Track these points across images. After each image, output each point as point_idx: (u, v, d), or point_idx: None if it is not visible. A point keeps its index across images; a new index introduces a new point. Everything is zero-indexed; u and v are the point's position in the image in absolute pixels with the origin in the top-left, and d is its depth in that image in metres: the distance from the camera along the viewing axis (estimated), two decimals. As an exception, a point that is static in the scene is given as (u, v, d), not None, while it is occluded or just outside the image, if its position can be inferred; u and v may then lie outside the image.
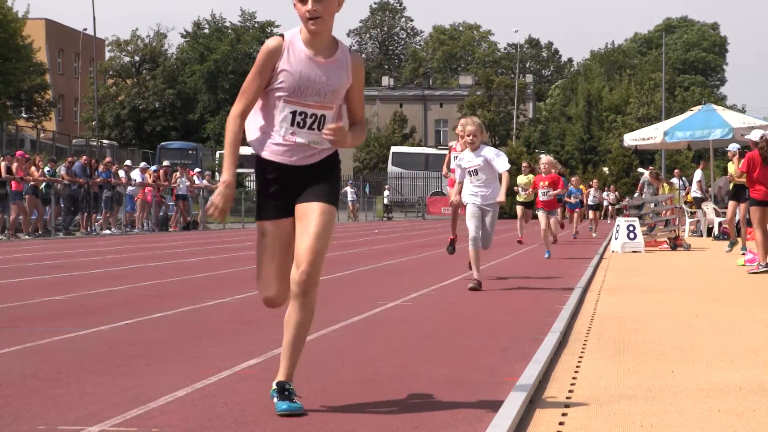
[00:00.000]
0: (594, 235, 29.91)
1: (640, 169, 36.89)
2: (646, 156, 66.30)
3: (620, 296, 10.85)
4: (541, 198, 19.06)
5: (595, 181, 38.19)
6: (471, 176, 11.66)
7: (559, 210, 23.44)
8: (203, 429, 4.52)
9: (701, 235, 27.43)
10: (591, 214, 33.30)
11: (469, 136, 11.60)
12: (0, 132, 48.39)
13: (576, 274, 13.52)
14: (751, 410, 4.91)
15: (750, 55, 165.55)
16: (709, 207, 27.07)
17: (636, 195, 29.68)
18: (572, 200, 28.35)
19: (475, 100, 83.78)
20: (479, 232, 11.48)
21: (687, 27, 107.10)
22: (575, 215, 28.64)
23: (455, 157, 12.88)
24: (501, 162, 11.51)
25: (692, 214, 28.24)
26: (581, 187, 31.37)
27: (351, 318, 8.63)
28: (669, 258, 18.46)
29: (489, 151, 11.63)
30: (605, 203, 48.15)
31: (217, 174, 56.73)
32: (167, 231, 34.31)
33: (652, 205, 23.49)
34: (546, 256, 17.82)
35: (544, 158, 19.92)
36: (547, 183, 19.01)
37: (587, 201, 33.10)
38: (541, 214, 18.80)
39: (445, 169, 13.96)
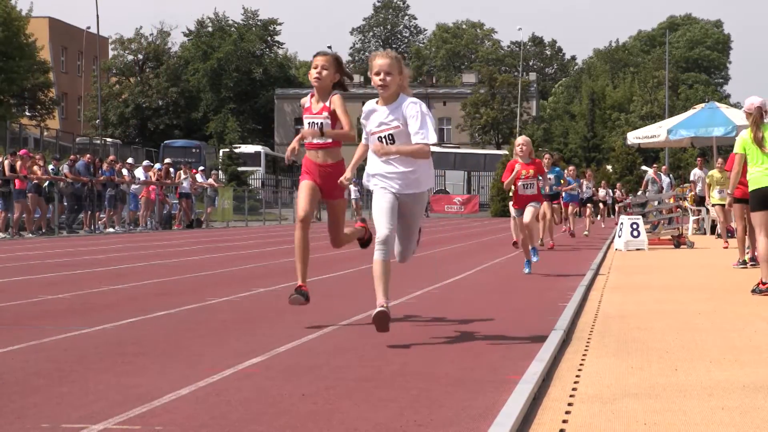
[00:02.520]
0: (585, 234, 27.77)
1: (644, 167, 36.83)
2: (649, 154, 66.29)
3: (623, 294, 10.84)
4: (522, 191, 14.10)
5: (588, 172, 34.35)
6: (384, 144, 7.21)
7: (555, 207, 22.10)
8: (207, 427, 4.52)
9: (704, 233, 27.42)
10: (585, 209, 30.68)
11: (378, 75, 7.08)
12: (3, 130, 48.42)
13: (579, 272, 13.51)
14: (755, 408, 4.91)
15: (753, 52, 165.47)
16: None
17: (640, 192, 29.64)
18: (569, 192, 26.22)
19: (479, 98, 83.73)
20: (393, 232, 7.18)
21: (690, 25, 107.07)
22: (569, 208, 26.65)
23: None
24: (424, 129, 7.06)
25: (698, 212, 28.23)
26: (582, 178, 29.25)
27: (354, 316, 8.64)
28: (672, 256, 18.45)
29: (412, 106, 7.10)
30: (608, 200, 47.74)
31: (220, 173, 56.79)
32: (171, 229, 34.32)
33: (656, 202, 23.48)
34: (526, 270, 13.54)
35: (521, 139, 14.69)
36: (532, 172, 14.07)
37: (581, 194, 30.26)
38: (527, 209, 13.91)
39: (293, 146, 8.27)
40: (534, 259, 13.98)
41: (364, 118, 7.35)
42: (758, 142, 10.94)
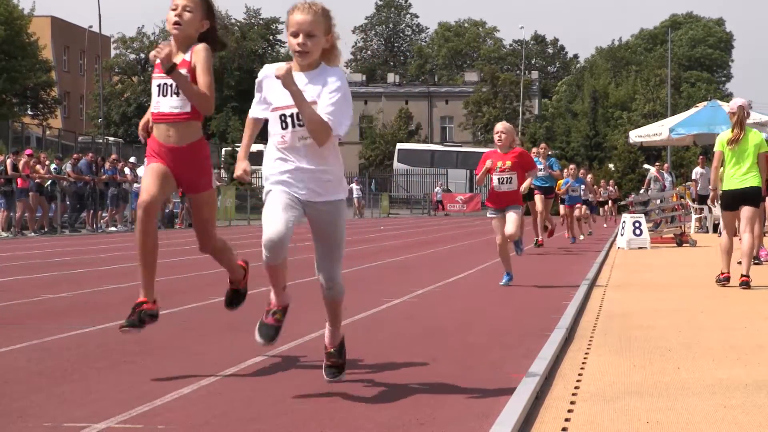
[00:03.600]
0: (581, 237, 24.97)
1: (646, 165, 36.80)
2: (651, 152, 66.25)
3: (626, 293, 10.84)
4: (498, 187, 11.59)
5: (582, 171, 29.95)
6: (287, 128, 5.25)
7: (548, 202, 20.25)
8: (209, 426, 4.52)
9: (707, 232, 27.42)
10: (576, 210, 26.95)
11: (297, 36, 5.22)
12: (6, 129, 48.44)
13: (582, 270, 13.51)
14: (757, 406, 4.91)
15: (755, 51, 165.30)
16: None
17: (642, 191, 29.62)
18: (570, 193, 23.88)
19: (481, 96, 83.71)
20: (288, 230, 5.19)
21: (692, 23, 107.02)
22: (574, 211, 24.13)
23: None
24: (336, 112, 5.14)
25: (700, 210, 28.23)
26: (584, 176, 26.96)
27: (356, 315, 8.63)
28: (675, 254, 18.44)
29: (334, 80, 5.21)
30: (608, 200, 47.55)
31: (223, 171, 56.81)
32: (173, 228, 34.34)
33: (658, 201, 23.46)
34: (505, 280, 11.61)
35: (501, 126, 11.92)
36: (509, 164, 11.61)
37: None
38: (508, 217, 11.52)
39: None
40: (516, 251, 12.03)
41: (261, 84, 5.44)
42: (734, 140, 11.36)
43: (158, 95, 5.93)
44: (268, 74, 5.38)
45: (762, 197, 11.86)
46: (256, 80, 5.48)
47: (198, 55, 5.85)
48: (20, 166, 26.62)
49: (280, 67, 5.15)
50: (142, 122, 6.17)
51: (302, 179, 5.23)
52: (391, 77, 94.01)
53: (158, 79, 5.90)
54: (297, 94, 5.09)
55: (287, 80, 5.09)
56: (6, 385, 5.44)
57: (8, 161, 26.61)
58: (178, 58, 5.85)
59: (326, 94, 5.15)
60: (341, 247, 5.45)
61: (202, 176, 6.02)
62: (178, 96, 5.83)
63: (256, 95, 5.50)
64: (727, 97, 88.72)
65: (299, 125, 5.19)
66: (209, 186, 6.10)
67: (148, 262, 6.10)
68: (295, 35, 5.21)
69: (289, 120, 5.23)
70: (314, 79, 5.22)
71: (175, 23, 5.83)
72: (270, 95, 5.33)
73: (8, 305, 9.33)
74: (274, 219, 5.16)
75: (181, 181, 6.00)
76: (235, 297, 6.69)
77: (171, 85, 5.82)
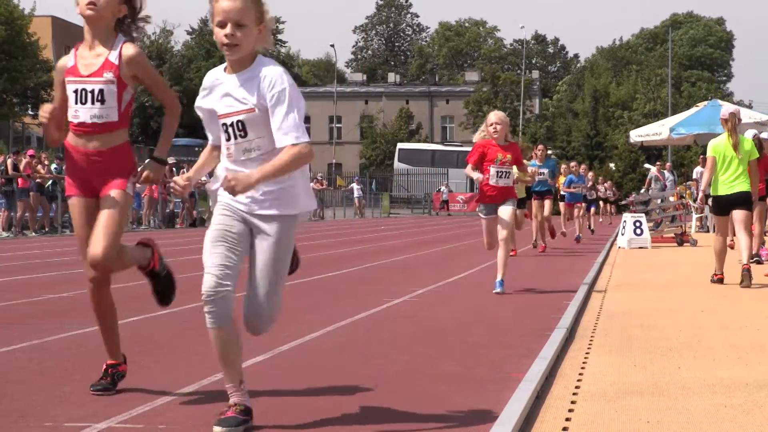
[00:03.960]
0: (578, 236, 24.06)
1: (647, 165, 36.78)
2: (652, 152, 66.30)
3: (627, 292, 10.84)
4: (494, 181, 10.74)
5: (583, 167, 28.22)
6: (230, 140, 4.53)
7: (548, 204, 19.34)
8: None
9: (708, 231, 27.41)
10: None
11: (223, 27, 4.42)
12: (6, 129, 48.47)
13: (582, 270, 13.51)
14: (758, 406, 4.90)
15: (756, 50, 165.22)
16: (716, 202, 27.00)
17: (643, 190, 29.62)
18: (571, 190, 23.44)
19: (482, 96, 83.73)
20: (225, 281, 4.40)
21: (693, 22, 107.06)
22: (575, 211, 23.81)
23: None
24: (293, 122, 4.36)
25: (701, 209, 28.23)
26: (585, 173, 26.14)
27: (357, 314, 8.64)
28: (675, 254, 18.44)
29: (273, 79, 4.43)
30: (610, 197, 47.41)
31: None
32: (174, 228, 34.35)
33: (659, 200, 23.46)
34: (498, 289, 10.68)
35: (495, 117, 10.92)
36: (510, 157, 10.80)
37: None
38: (502, 210, 10.72)
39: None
40: (498, 288, 10.69)
41: (204, 97, 4.60)
42: (734, 147, 11.73)
43: (75, 103, 5.03)
44: (213, 82, 4.59)
45: (752, 201, 12.13)
46: (204, 90, 4.65)
47: (137, 66, 5.07)
48: (21, 166, 26.64)
49: (226, 185, 4.32)
50: (45, 110, 5.06)
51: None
52: (391, 77, 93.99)
53: (74, 84, 5.04)
54: (261, 179, 4.33)
55: (241, 187, 4.29)
56: (6, 385, 5.44)
57: (9, 161, 26.63)
58: (95, 61, 5.05)
59: (275, 112, 4.37)
60: (279, 280, 4.55)
61: (116, 176, 5.10)
62: (102, 104, 5.01)
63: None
64: (727, 96, 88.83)
65: (241, 136, 4.47)
66: (120, 186, 5.09)
67: (109, 328, 5.49)
68: (221, 25, 4.42)
69: (230, 130, 4.49)
70: (248, 81, 4.45)
71: (89, 3, 4.96)
72: (214, 104, 4.56)
73: (8, 305, 9.34)
74: (211, 263, 4.41)
75: (96, 186, 5.13)
76: (160, 284, 5.65)
77: (92, 91, 4.98)
